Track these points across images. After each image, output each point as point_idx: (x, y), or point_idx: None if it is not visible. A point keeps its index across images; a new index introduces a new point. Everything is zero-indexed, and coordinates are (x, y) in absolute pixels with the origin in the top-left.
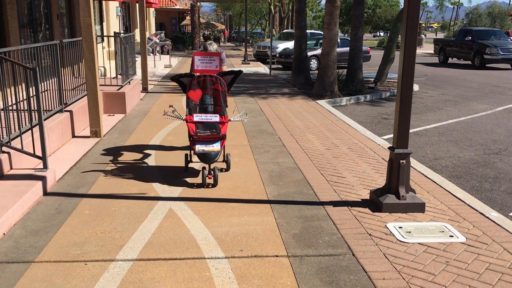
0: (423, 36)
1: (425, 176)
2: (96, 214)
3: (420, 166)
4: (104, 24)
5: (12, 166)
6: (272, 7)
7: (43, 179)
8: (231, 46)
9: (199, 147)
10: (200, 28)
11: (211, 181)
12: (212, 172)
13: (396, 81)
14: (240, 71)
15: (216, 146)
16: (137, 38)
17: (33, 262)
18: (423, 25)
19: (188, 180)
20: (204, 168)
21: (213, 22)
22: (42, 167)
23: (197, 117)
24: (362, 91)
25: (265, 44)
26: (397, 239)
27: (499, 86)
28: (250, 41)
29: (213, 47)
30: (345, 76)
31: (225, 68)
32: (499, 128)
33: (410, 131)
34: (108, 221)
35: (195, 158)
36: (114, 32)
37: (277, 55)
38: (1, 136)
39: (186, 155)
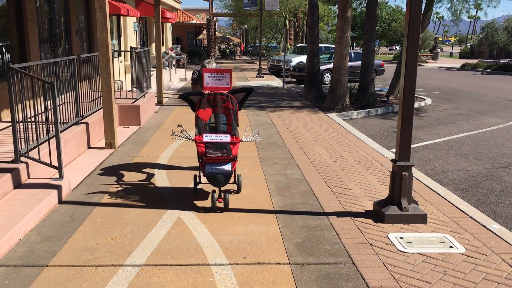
0: (439, 50)
1: (430, 188)
2: (107, 221)
3: (426, 179)
4: (122, 39)
5: (30, 175)
6: (287, 22)
7: (58, 188)
8: (247, 60)
9: (209, 169)
10: (216, 42)
11: (221, 205)
12: (222, 195)
13: None
14: (252, 89)
15: (227, 168)
16: (153, 52)
17: (47, 266)
18: (440, 38)
19: (197, 203)
20: (214, 191)
21: (229, 36)
22: (58, 176)
23: (206, 137)
24: (374, 104)
25: (280, 58)
26: (397, 249)
27: None
28: (265, 55)
29: (211, 66)
30: (357, 90)
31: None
32: (510, 142)
33: (420, 144)
34: (119, 229)
35: (204, 179)
36: (130, 47)
37: (291, 69)
38: (20, 147)
39: (195, 176)
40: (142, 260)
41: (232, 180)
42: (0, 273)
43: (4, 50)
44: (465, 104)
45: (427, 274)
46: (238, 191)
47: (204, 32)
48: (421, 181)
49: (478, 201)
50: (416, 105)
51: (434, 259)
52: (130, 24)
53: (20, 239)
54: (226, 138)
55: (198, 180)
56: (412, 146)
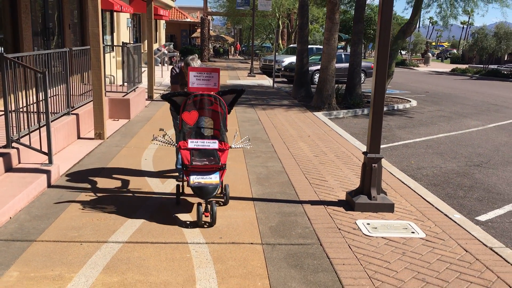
0: (430, 54)
1: (402, 182)
2: (93, 205)
3: (399, 173)
4: (115, 34)
5: (21, 160)
6: (280, 22)
7: (47, 172)
8: (240, 59)
9: (194, 179)
10: (210, 41)
11: (207, 219)
12: (209, 208)
13: (397, 97)
14: (243, 90)
15: (214, 178)
16: (145, 48)
17: (35, 241)
18: (433, 43)
19: (180, 216)
20: (200, 204)
21: (223, 36)
22: (47, 162)
23: (192, 143)
24: (360, 105)
25: (272, 58)
26: (363, 233)
27: (496, 104)
28: (259, 55)
29: (196, 63)
30: (344, 90)
31: None
32: (486, 143)
33: (400, 143)
34: (105, 211)
35: (188, 189)
36: (122, 42)
37: (283, 69)
38: (11, 133)
39: (177, 186)
40: (125, 238)
41: (219, 190)
42: None
43: None
44: (449, 107)
45: (387, 255)
46: (225, 202)
47: (198, 30)
48: (394, 175)
49: (447, 195)
50: (401, 106)
51: (395, 243)
52: (124, 20)
53: (10, 218)
54: (213, 144)
55: (181, 190)
56: (392, 144)
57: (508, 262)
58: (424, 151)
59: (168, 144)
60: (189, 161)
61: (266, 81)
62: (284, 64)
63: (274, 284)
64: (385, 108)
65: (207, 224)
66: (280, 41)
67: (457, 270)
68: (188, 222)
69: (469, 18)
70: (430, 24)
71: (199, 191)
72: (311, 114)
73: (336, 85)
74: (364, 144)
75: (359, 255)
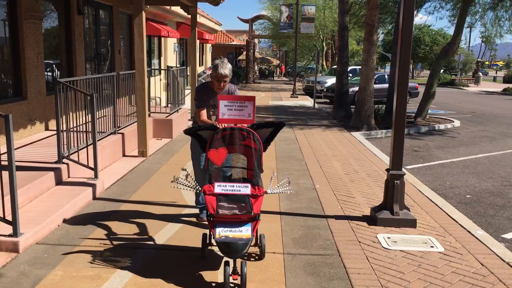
0: (480, 74)
1: (430, 199)
2: (132, 214)
3: (428, 191)
4: (162, 58)
5: (70, 175)
6: (324, 44)
7: (93, 186)
8: (285, 80)
9: (221, 232)
10: (256, 63)
11: (237, 281)
12: (238, 269)
13: (440, 117)
14: (282, 124)
15: (245, 231)
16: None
17: (78, 245)
18: (487, 62)
19: (204, 275)
20: (227, 263)
21: (268, 58)
22: (93, 177)
23: (219, 188)
24: None
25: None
26: (382, 246)
27: None
28: (303, 76)
29: (226, 67)
30: (384, 110)
31: None
32: None
33: (436, 162)
34: (141, 222)
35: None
36: (167, 66)
37: (325, 90)
38: (62, 150)
39: (204, 236)
40: (162, 240)
41: (253, 241)
42: (41, 249)
43: (54, 67)
44: (494, 127)
45: (403, 266)
46: (260, 256)
47: (244, 53)
48: (423, 193)
49: (476, 213)
50: (442, 126)
51: (413, 255)
52: (171, 44)
53: (58, 225)
54: (245, 189)
55: (208, 241)
56: (427, 164)
57: None
58: (460, 171)
59: (191, 188)
60: (215, 209)
61: (308, 102)
62: (327, 85)
63: None
64: (426, 129)
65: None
66: (324, 62)
67: (469, 282)
68: (213, 285)
69: None
70: (482, 43)
71: (227, 247)
72: (349, 134)
73: (376, 106)
74: None
75: (375, 265)
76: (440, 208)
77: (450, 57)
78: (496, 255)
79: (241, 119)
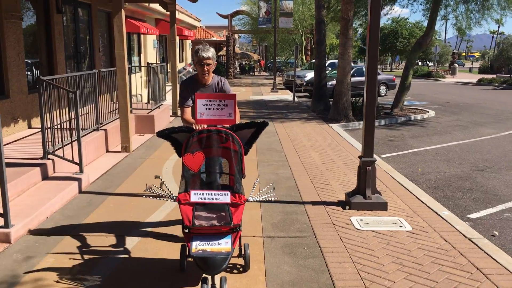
0: (456, 65)
1: (401, 184)
2: (118, 207)
3: (400, 177)
4: (142, 55)
5: (55, 170)
6: (303, 38)
7: (79, 180)
8: (265, 75)
9: (197, 246)
10: (236, 58)
11: None
12: (217, 286)
13: (416, 107)
14: (265, 123)
15: (225, 244)
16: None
17: (67, 236)
18: (463, 54)
19: None
20: (205, 280)
21: (248, 53)
22: (79, 171)
23: (196, 196)
24: (377, 116)
25: (296, 73)
26: (355, 227)
27: None
28: (284, 71)
29: (209, 50)
30: (361, 103)
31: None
32: (496, 149)
33: (410, 151)
34: (128, 211)
35: None
36: (147, 62)
37: (304, 84)
38: (47, 146)
39: (183, 247)
40: (142, 233)
41: (236, 252)
42: (31, 239)
43: (35, 66)
44: (467, 117)
45: (373, 245)
46: (245, 268)
47: (224, 48)
48: (395, 179)
49: (444, 197)
50: (418, 117)
51: (383, 235)
52: (150, 41)
53: (47, 217)
54: (225, 198)
55: (187, 253)
56: (402, 152)
57: (482, 249)
58: (432, 158)
59: (164, 198)
60: (191, 221)
61: (288, 96)
62: (307, 79)
63: (268, 267)
64: (402, 119)
65: None
66: (304, 57)
67: (433, 256)
68: None
69: (498, 27)
70: (458, 35)
71: (204, 263)
72: (327, 126)
73: (354, 98)
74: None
75: (348, 245)
76: (411, 192)
77: (424, 49)
78: (459, 232)
79: (221, 119)
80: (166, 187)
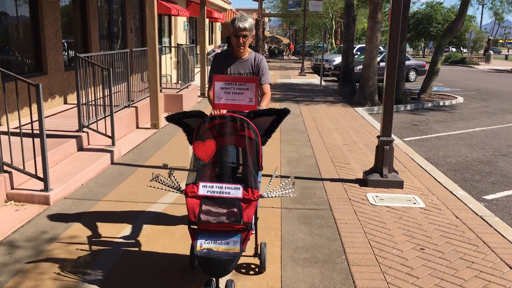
0: (491, 52)
1: (420, 166)
2: (147, 177)
3: (420, 159)
4: (172, 37)
5: (90, 142)
6: (334, 22)
7: (111, 152)
8: (294, 59)
9: (203, 244)
10: (265, 41)
11: None
12: None
13: (445, 94)
14: (287, 111)
15: (233, 244)
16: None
17: (101, 200)
18: (500, 41)
19: None
20: (209, 283)
21: (278, 36)
22: (111, 144)
23: (204, 189)
24: (403, 101)
25: (324, 57)
26: (370, 203)
27: None
28: (313, 55)
29: (246, 20)
30: None
31: (268, 89)
32: None
33: (434, 135)
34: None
35: None
36: (177, 44)
37: (332, 68)
38: (83, 120)
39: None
40: (170, 200)
41: (251, 250)
42: (68, 202)
43: (70, 45)
44: (496, 104)
45: (386, 218)
46: (260, 269)
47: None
48: (415, 160)
49: (463, 179)
50: (446, 102)
51: (396, 210)
52: (181, 23)
53: (82, 184)
54: (236, 192)
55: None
56: (425, 136)
57: (491, 226)
58: (455, 143)
59: (171, 188)
60: (196, 216)
61: (316, 79)
62: (335, 63)
63: (284, 234)
64: (429, 104)
65: None
66: (333, 41)
67: (443, 230)
68: None
69: None
70: (496, 21)
71: (208, 264)
72: (352, 110)
73: (381, 83)
74: (396, 135)
75: (361, 218)
76: (428, 173)
77: (455, 34)
78: (472, 210)
79: (240, 104)
80: (174, 177)
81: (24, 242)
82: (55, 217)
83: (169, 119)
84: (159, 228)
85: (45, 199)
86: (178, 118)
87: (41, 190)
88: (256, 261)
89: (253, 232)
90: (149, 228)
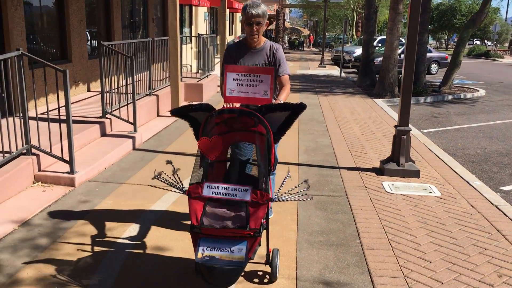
0: None
1: (438, 156)
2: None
3: (438, 150)
4: (193, 27)
5: (112, 128)
6: (355, 14)
7: (133, 138)
8: (314, 51)
9: (204, 250)
10: (285, 32)
11: None
12: None
13: (466, 86)
14: (303, 106)
15: (238, 252)
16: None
17: (123, 183)
18: None
19: None
20: None
21: (298, 28)
22: (133, 130)
23: (209, 190)
24: (423, 93)
25: (344, 48)
26: (386, 191)
27: None
28: (333, 46)
29: (259, 7)
30: None
31: (286, 81)
32: None
33: (453, 127)
34: (176, 167)
35: None
36: (198, 33)
37: (353, 59)
38: (106, 107)
39: None
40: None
41: (261, 256)
42: (92, 185)
43: (93, 34)
44: None
45: (401, 206)
46: (271, 279)
47: (274, 23)
48: (433, 151)
49: (480, 170)
50: (468, 95)
51: (411, 198)
52: (201, 14)
53: (105, 168)
54: (244, 194)
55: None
56: (444, 128)
57: (506, 215)
58: (475, 135)
59: (174, 188)
60: (198, 219)
61: (335, 71)
62: (355, 55)
63: (300, 218)
64: (450, 97)
65: None
66: (354, 32)
67: (457, 218)
68: None
69: None
70: None
71: (209, 273)
72: (371, 101)
73: (400, 75)
74: (414, 127)
75: (376, 205)
76: (446, 164)
77: (478, 26)
78: (487, 199)
79: (254, 97)
80: (177, 175)
81: (51, 221)
82: (80, 198)
83: (174, 112)
84: (179, 209)
85: (71, 181)
86: (184, 111)
87: (67, 173)
88: (267, 268)
89: (260, 236)
90: (163, 215)
